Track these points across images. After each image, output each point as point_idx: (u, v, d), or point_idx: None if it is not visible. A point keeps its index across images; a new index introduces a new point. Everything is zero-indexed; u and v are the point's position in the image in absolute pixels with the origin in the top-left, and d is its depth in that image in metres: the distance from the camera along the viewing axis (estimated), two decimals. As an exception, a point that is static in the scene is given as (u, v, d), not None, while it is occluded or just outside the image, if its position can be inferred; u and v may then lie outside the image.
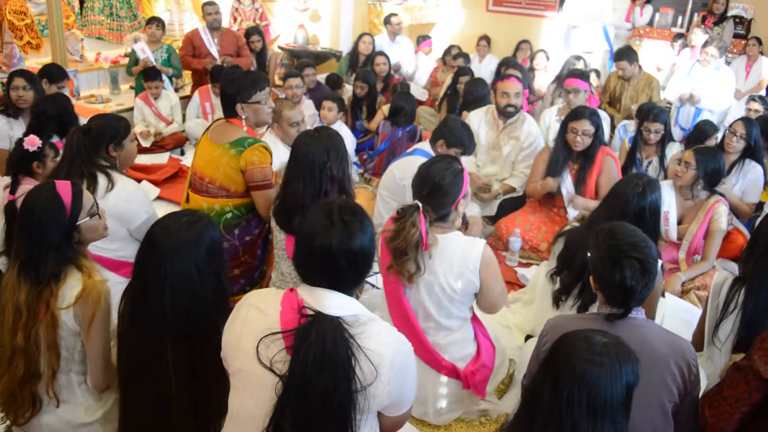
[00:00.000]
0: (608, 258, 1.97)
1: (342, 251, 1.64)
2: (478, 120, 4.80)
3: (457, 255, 2.43)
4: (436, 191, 2.44)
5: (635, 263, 1.93)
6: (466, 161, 3.45)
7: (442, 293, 2.46)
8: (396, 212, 2.44)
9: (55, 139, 3.68)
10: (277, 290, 1.76)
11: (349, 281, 1.70)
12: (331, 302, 1.65)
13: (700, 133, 4.86)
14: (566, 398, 1.51)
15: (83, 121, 3.68)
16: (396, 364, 1.65)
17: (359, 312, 1.68)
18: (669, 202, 3.70)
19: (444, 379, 2.58)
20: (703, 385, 2.49)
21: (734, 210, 4.35)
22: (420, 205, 2.38)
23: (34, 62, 6.67)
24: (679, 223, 3.78)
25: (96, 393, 2.20)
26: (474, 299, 2.57)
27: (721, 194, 3.78)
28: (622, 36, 7.70)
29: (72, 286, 2.04)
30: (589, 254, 2.12)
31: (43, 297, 2.02)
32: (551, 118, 5.28)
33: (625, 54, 5.96)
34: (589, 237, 2.63)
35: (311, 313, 1.63)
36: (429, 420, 2.65)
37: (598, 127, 4.04)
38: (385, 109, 5.66)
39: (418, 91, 7.22)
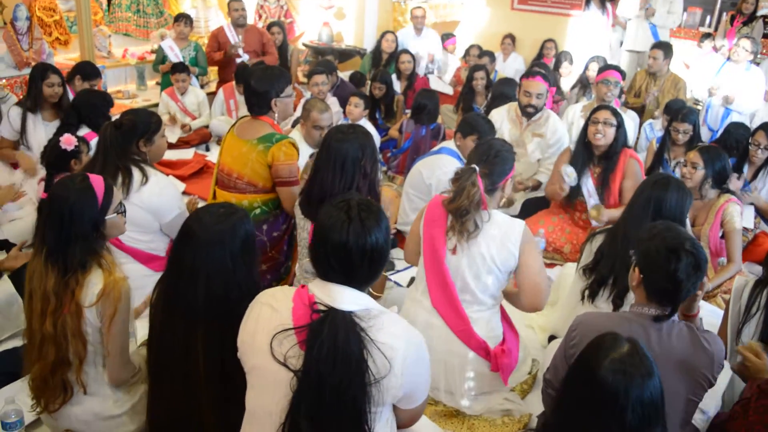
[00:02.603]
0: (666, 248, 1.97)
1: (357, 247, 1.65)
2: (501, 118, 4.77)
3: (501, 228, 2.53)
4: (495, 158, 2.58)
5: (691, 257, 1.94)
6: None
7: (482, 263, 2.52)
8: (455, 173, 2.56)
9: (85, 131, 3.74)
10: (288, 288, 1.78)
11: (362, 277, 1.71)
12: (343, 297, 1.67)
13: (729, 136, 4.78)
14: (629, 423, 1.52)
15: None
16: (409, 356, 1.66)
17: (370, 306, 1.70)
18: None
19: (472, 356, 2.60)
20: (727, 378, 2.47)
21: (762, 214, 4.30)
22: (477, 168, 2.48)
23: (62, 58, 6.76)
24: (692, 225, 3.73)
25: (113, 386, 2.23)
26: (508, 279, 2.60)
27: (732, 192, 3.73)
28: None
29: (94, 284, 2.07)
30: (638, 246, 2.09)
31: (69, 286, 2.06)
32: (575, 114, 5.24)
33: (663, 45, 5.97)
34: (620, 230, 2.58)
35: (323, 308, 1.65)
36: (459, 407, 2.66)
37: (620, 125, 3.97)
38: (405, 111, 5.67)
39: (440, 84, 7.19)
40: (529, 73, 4.71)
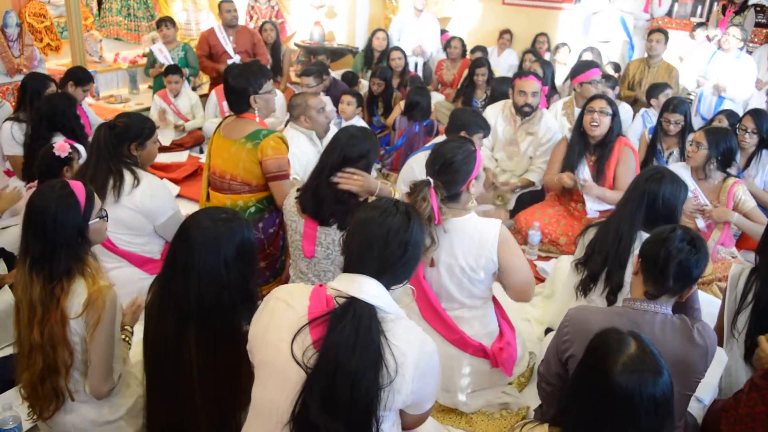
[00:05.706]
0: (667, 229, 2.01)
1: (397, 236, 1.69)
2: (495, 115, 4.76)
3: (474, 236, 2.46)
4: (447, 168, 2.47)
5: (687, 234, 1.99)
6: (482, 157, 3.46)
7: (462, 275, 2.49)
8: (409, 188, 2.47)
9: (59, 138, 3.69)
10: (304, 285, 1.78)
11: (393, 268, 1.71)
12: (369, 289, 1.66)
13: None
14: (644, 423, 1.51)
15: (99, 121, 3.71)
16: (421, 364, 1.65)
17: (389, 309, 1.69)
18: (689, 182, 3.67)
19: (469, 359, 2.59)
20: (722, 366, 2.47)
21: (759, 202, 4.30)
22: (431, 181, 2.40)
23: (53, 64, 6.77)
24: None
25: (95, 399, 2.19)
26: (493, 279, 2.57)
27: (735, 175, 3.76)
28: (640, 27, 7.62)
29: (78, 294, 2.06)
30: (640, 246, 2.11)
31: (54, 294, 2.04)
32: (557, 111, 5.21)
33: (663, 31, 6.11)
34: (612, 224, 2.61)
35: (345, 299, 1.64)
36: (456, 405, 2.66)
37: (615, 114, 4.03)
38: (402, 105, 5.66)
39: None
40: (521, 74, 4.69)
